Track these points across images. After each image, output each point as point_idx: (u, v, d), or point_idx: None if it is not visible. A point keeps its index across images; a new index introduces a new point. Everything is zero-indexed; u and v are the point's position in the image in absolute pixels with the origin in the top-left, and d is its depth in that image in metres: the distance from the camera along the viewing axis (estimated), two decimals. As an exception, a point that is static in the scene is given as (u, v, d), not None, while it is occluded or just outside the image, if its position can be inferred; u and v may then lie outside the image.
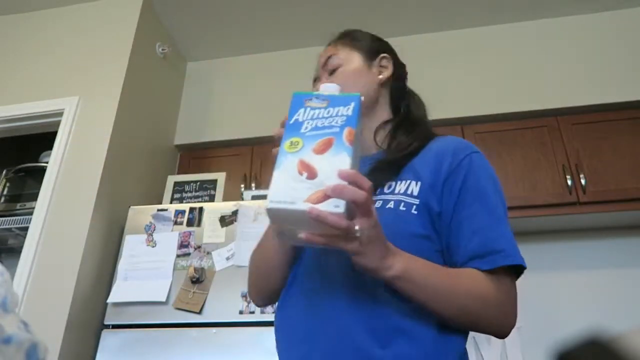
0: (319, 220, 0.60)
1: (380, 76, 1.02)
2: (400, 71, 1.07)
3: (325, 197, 0.62)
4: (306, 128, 0.72)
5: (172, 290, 2.08)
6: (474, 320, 0.76)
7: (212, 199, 2.54)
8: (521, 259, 0.77)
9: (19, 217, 2.57)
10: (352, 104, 0.71)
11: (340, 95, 0.74)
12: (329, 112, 0.72)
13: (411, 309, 0.75)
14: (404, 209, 0.81)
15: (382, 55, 1.04)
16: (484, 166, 0.86)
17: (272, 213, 0.66)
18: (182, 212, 2.27)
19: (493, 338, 2.47)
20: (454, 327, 0.77)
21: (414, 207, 0.81)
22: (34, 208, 2.29)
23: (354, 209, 0.64)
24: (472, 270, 0.76)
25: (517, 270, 0.79)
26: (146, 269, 2.14)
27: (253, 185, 2.75)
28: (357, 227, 0.64)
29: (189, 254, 2.16)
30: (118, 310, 2.08)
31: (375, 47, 1.05)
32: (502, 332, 0.77)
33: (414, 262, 0.74)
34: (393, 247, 0.72)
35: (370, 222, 0.65)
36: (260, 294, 0.95)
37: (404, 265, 0.72)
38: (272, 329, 0.92)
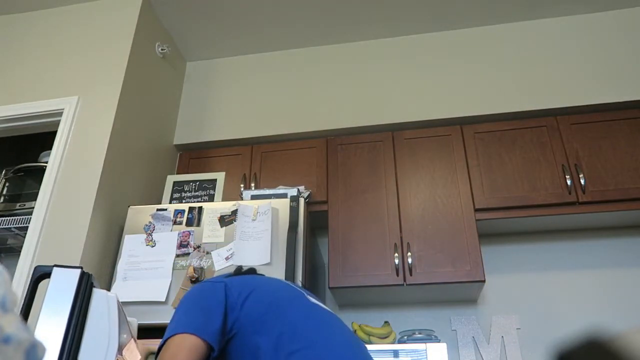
0: None
1: None
2: None
3: None
4: None
5: (172, 290, 2.08)
6: None
7: (211, 198, 2.54)
8: (167, 334, 1.05)
9: (19, 217, 2.56)
10: None
11: None
12: None
13: None
14: None
15: None
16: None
17: None
18: (182, 211, 2.27)
19: (492, 338, 2.47)
20: None
21: None
22: (33, 208, 2.29)
23: None
24: None
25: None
26: (145, 269, 2.14)
27: (252, 185, 2.75)
28: None
29: (188, 254, 2.16)
30: (117, 310, 2.08)
31: None
32: None
33: None
34: None
35: None
36: None
37: None
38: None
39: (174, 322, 1.06)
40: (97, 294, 1.19)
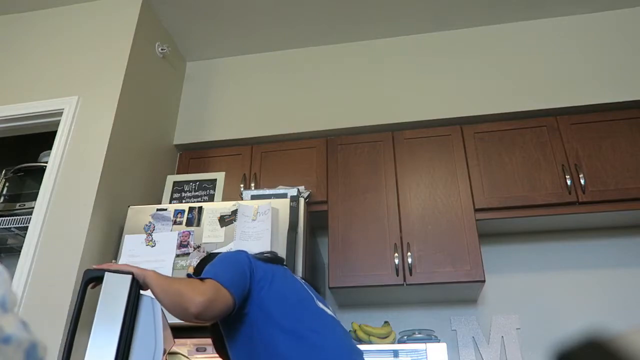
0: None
1: None
2: None
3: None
4: None
5: (172, 290, 2.08)
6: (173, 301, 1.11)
7: (211, 198, 2.54)
8: (204, 275, 1.16)
9: (19, 217, 2.56)
10: None
11: None
12: None
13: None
14: None
15: None
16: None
17: None
18: (182, 211, 2.27)
19: (492, 338, 2.47)
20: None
21: None
22: (33, 208, 2.29)
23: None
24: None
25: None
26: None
27: (252, 185, 2.75)
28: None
29: (188, 254, 2.16)
30: (117, 310, 2.08)
31: None
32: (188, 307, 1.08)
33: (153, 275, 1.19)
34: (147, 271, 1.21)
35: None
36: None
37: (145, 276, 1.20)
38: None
39: (216, 270, 1.14)
40: (145, 299, 1.24)
